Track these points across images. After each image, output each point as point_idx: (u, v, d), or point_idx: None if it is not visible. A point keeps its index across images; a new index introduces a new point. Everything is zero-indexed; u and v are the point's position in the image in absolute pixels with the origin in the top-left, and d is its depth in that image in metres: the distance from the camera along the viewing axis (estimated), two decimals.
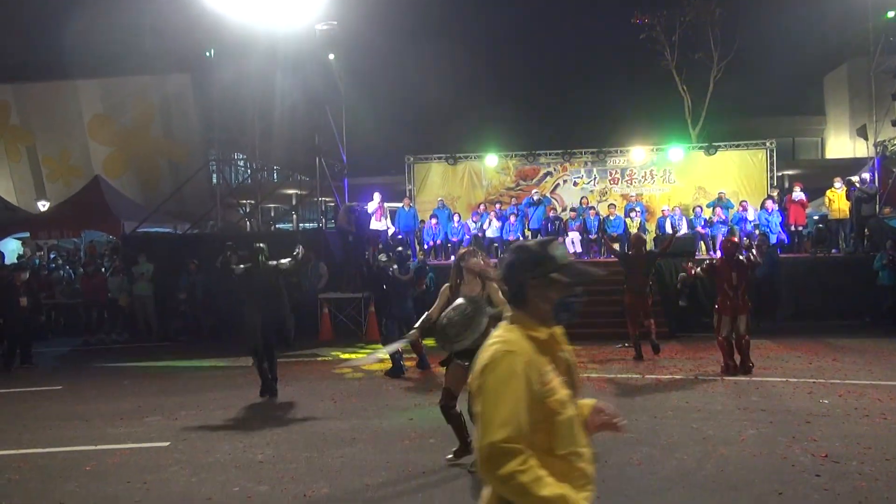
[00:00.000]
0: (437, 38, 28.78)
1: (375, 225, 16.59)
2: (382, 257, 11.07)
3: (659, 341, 10.48)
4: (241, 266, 8.86)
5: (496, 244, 16.90)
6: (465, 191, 19.62)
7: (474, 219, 17.58)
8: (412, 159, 19.81)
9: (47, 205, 21.26)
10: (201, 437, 6.76)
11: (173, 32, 19.85)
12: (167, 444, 6.56)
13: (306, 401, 8.27)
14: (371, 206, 16.81)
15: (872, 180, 16.15)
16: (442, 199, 18.44)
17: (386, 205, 17.59)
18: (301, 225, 24.49)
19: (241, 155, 24.36)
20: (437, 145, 23.12)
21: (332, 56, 16.99)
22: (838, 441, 5.99)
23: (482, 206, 18.12)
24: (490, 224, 17.18)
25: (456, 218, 17.39)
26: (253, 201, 21.83)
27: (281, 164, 26.05)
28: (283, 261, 8.86)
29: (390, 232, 17.09)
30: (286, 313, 8.99)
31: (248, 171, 23.59)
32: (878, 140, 19.42)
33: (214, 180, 21.91)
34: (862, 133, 27.31)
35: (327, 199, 21.27)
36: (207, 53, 18.67)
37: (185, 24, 18.17)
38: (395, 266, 10.47)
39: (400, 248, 12.92)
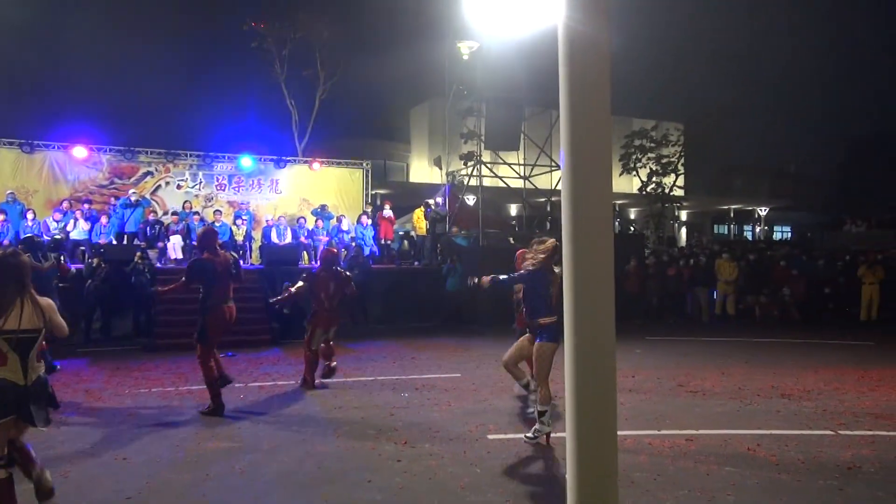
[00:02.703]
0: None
1: None
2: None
3: (259, 350, 8.95)
4: None
5: (83, 248, 15.03)
6: (45, 184, 16.99)
7: (56, 217, 15.34)
8: None
9: None
10: None
11: None
12: None
13: None
14: None
15: (444, 204, 19.11)
16: (13, 192, 15.65)
17: None
18: None
19: None
20: (9, 128, 19.57)
21: None
22: (415, 428, 6.93)
23: (66, 204, 15.92)
24: (76, 224, 15.22)
25: (30, 215, 14.93)
26: None
27: None
28: None
29: None
30: None
31: None
32: (449, 170, 22.99)
33: None
34: (438, 163, 32.06)
35: None
36: None
37: None
38: (29, 255, 8.06)
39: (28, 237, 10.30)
